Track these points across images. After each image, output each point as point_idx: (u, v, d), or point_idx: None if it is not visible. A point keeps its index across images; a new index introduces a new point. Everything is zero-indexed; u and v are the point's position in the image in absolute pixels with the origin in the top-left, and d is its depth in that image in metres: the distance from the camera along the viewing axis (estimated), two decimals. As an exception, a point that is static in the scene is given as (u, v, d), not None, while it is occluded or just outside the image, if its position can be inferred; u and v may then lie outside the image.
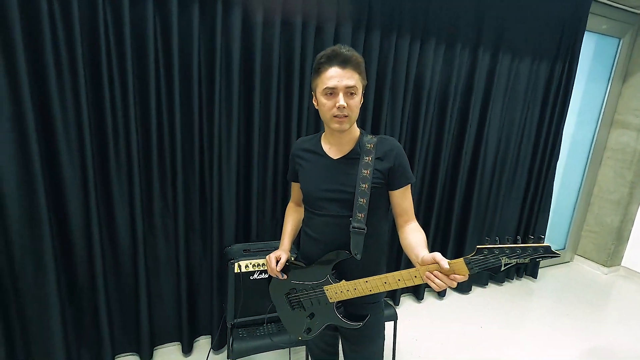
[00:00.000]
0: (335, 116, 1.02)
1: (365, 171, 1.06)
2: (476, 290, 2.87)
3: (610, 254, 3.31)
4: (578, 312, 2.69)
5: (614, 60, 3.12)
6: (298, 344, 1.71)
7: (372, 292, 1.04)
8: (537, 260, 0.81)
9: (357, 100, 1.03)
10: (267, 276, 1.68)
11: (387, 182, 1.09)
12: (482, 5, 2.23)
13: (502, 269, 0.83)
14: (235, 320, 1.64)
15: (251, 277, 1.66)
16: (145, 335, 1.86)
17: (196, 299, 1.99)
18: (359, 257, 1.07)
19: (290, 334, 1.29)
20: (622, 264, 3.38)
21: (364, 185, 1.06)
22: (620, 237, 3.29)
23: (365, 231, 1.06)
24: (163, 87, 1.64)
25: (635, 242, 3.30)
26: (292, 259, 1.25)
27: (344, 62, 0.99)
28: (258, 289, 1.67)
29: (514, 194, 2.85)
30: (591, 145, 3.31)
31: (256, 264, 1.66)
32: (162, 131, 1.69)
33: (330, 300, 1.12)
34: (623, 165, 3.18)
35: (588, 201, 3.46)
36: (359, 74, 1.02)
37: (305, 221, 1.24)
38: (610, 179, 3.28)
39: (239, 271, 1.62)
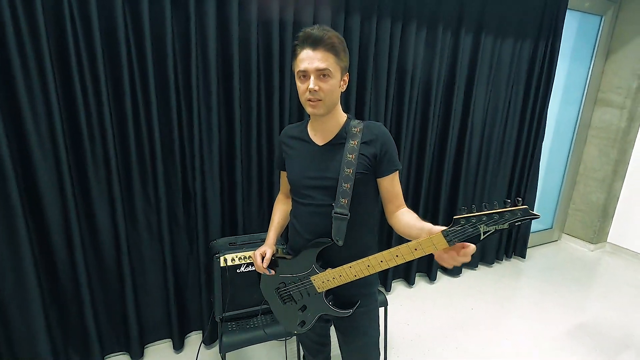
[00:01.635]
0: (308, 100, 0.99)
1: (350, 155, 1.02)
2: (466, 273, 2.90)
3: (596, 231, 3.37)
4: (565, 290, 2.74)
5: (597, 38, 3.12)
6: (290, 334, 1.70)
7: (358, 277, 1.02)
8: (517, 224, 0.77)
9: (332, 84, 0.98)
10: (254, 270, 1.67)
11: (373, 168, 1.06)
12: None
13: (482, 237, 0.80)
14: (223, 314, 1.62)
15: (238, 270, 1.64)
16: (135, 333, 1.84)
17: (185, 295, 1.97)
18: (340, 243, 1.04)
19: (285, 329, 1.26)
20: (608, 240, 3.45)
21: (348, 170, 1.02)
22: (606, 215, 3.35)
23: (348, 217, 1.02)
24: (137, 80, 1.59)
25: (620, 218, 3.36)
26: (279, 251, 1.23)
27: (314, 43, 0.95)
28: (246, 281, 1.65)
29: (501, 174, 2.86)
30: (576, 124, 3.33)
31: (242, 257, 1.63)
32: (139, 125, 1.64)
33: (319, 290, 1.10)
34: (607, 143, 3.21)
35: (574, 180, 3.50)
36: (335, 55, 0.97)
37: (292, 212, 1.20)
38: (595, 158, 3.32)
39: (224, 265, 1.59)
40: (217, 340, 1.95)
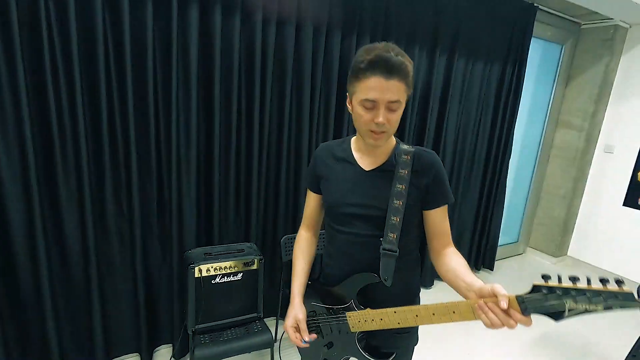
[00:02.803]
0: (372, 131, 0.88)
1: (400, 186, 0.92)
2: (438, 285, 2.97)
3: (558, 245, 3.56)
4: (530, 301, 2.86)
5: (558, 65, 3.36)
6: (260, 347, 1.66)
7: (401, 326, 0.89)
8: (613, 309, 0.63)
9: (398, 115, 0.87)
10: (230, 281, 1.65)
11: (422, 200, 0.95)
12: (439, 8, 2.32)
13: (566, 314, 0.67)
14: (196, 327, 1.58)
15: (213, 282, 1.61)
16: (100, 347, 1.75)
17: (156, 306, 1.90)
18: (389, 282, 0.93)
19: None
20: (568, 253, 3.65)
21: (397, 202, 0.92)
22: (566, 229, 3.55)
23: (397, 254, 0.92)
24: (114, 85, 1.55)
25: (579, 233, 3.57)
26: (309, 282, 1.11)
27: (389, 71, 0.81)
28: (221, 293, 1.63)
29: (471, 191, 2.98)
30: (539, 144, 3.54)
31: (218, 268, 1.61)
32: (114, 129, 1.60)
33: (352, 330, 0.98)
34: (567, 162, 3.43)
35: (538, 196, 3.69)
36: (406, 83, 0.84)
37: (327, 239, 1.09)
38: (557, 175, 3.53)
39: (199, 275, 1.56)
40: (188, 353, 1.90)
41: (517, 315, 0.72)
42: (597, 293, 0.64)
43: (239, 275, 1.66)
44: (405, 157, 0.94)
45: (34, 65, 1.40)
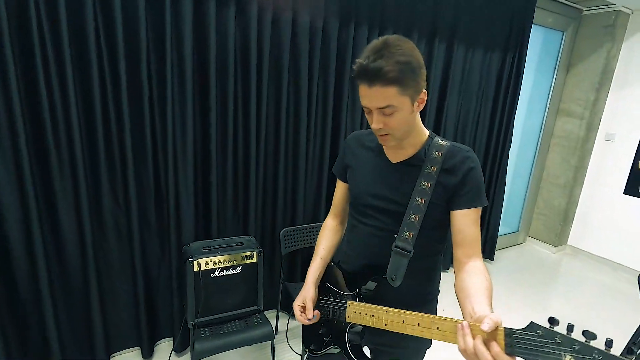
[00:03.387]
0: (378, 133, 0.87)
1: (426, 183, 0.87)
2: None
3: (558, 234, 3.56)
4: (530, 290, 2.87)
5: (559, 52, 3.31)
6: (260, 340, 1.65)
7: (387, 328, 0.84)
8: None
9: (399, 117, 0.82)
10: (229, 275, 1.64)
11: (449, 200, 0.88)
12: (437, -4, 2.28)
13: None
14: (196, 320, 1.58)
15: (212, 275, 1.60)
16: (100, 342, 1.75)
17: (155, 301, 1.90)
18: (396, 283, 0.88)
19: (304, 342, 1.11)
20: (568, 242, 3.65)
21: (420, 200, 0.87)
22: (567, 218, 3.54)
23: (411, 254, 0.87)
24: (107, 73, 1.52)
25: (579, 222, 3.57)
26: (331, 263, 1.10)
27: (369, 79, 0.78)
28: (220, 286, 1.62)
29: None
30: (540, 133, 3.51)
31: (217, 261, 1.60)
32: (108, 120, 1.57)
33: (347, 319, 0.95)
34: (568, 151, 3.41)
35: (538, 185, 3.68)
36: (398, 85, 0.77)
37: (348, 227, 1.07)
38: (557, 164, 3.51)
39: (198, 269, 1.56)
40: (189, 347, 1.90)
41: (496, 348, 0.61)
42: (607, 357, 0.51)
43: (238, 269, 1.65)
44: (437, 154, 0.88)
45: (25, 57, 1.37)
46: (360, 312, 0.91)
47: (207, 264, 1.58)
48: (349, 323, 0.95)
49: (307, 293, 1.02)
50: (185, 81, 1.67)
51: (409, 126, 0.87)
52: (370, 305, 0.90)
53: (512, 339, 0.60)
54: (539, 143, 3.53)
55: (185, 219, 1.81)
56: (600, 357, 0.52)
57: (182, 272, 1.74)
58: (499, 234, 3.32)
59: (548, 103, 3.42)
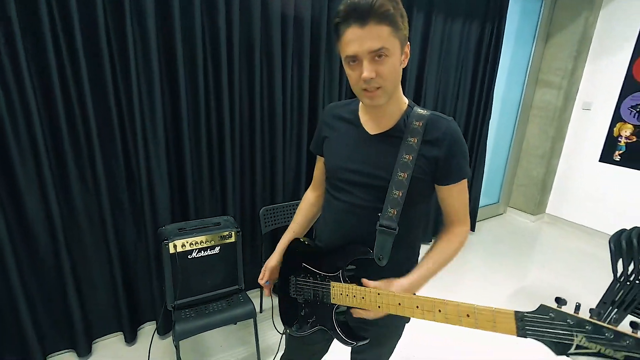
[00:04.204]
0: (364, 90, 0.79)
1: (407, 156, 0.83)
2: (422, 247, 3.01)
3: (536, 204, 3.64)
4: (510, 259, 2.95)
5: (538, 22, 3.29)
6: (242, 318, 1.63)
7: (381, 310, 0.83)
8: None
9: (392, 64, 0.76)
10: (207, 256, 1.62)
11: (432, 174, 0.85)
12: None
13: (571, 350, 0.57)
14: (175, 302, 1.56)
15: (189, 257, 1.57)
16: (80, 329, 1.72)
17: (134, 285, 1.86)
18: (383, 262, 0.85)
19: (281, 321, 1.08)
20: (547, 211, 3.74)
21: (402, 174, 0.82)
22: (545, 188, 3.62)
23: (396, 232, 0.84)
24: (63, 47, 1.42)
25: (557, 191, 3.65)
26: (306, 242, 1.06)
27: (362, 16, 0.71)
28: (198, 267, 1.59)
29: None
30: (519, 104, 3.53)
31: (194, 242, 1.57)
32: (70, 102, 1.48)
33: (332, 301, 0.91)
34: (546, 122, 3.44)
35: (518, 157, 3.73)
36: (391, 25, 0.73)
37: (324, 205, 1.02)
38: (536, 135, 3.55)
39: (174, 251, 1.52)
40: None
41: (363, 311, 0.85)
42: (622, 337, 0.52)
43: (217, 249, 1.62)
44: (417, 123, 0.83)
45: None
46: (347, 294, 0.87)
47: (183, 245, 1.54)
48: (335, 305, 0.91)
49: (269, 261, 1.07)
50: (151, 56, 1.58)
51: (397, 80, 0.82)
52: (357, 286, 0.86)
53: (524, 323, 0.62)
54: (519, 114, 3.55)
55: (160, 200, 1.75)
56: (612, 336, 0.54)
57: (159, 255, 1.70)
58: (479, 205, 3.37)
59: (527, 74, 3.42)
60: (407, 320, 1.02)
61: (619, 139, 3.12)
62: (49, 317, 1.69)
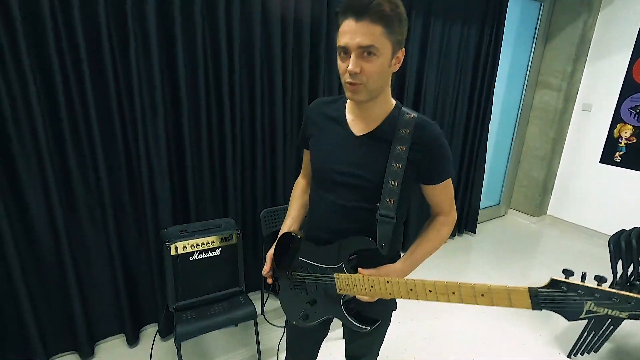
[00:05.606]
0: (348, 82, 0.81)
1: (397, 165, 0.86)
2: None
3: (537, 205, 3.64)
4: (511, 260, 2.95)
5: (537, 24, 3.30)
6: (243, 320, 1.64)
7: (392, 297, 0.87)
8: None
9: (378, 64, 0.78)
10: (208, 257, 1.63)
11: (418, 175, 0.90)
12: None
13: (582, 316, 0.63)
14: (177, 304, 1.57)
15: (190, 258, 1.59)
16: (83, 331, 1.74)
17: (136, 287, 1.88)
18: (385, 250, 0.88)
19: (286, 316, 1.11)
20: (548, 212, 3.74)
21: (396, 165, 0.85)
22: (546, 189, 3.62)
23: (394, 220, 0.87)
24: (65, 47, 1.44)
25: (558, 192, 3.65)
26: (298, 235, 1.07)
27: (358, 12, 0.74)
28: (200, 269, 1.61)
29: (452, 155, 2.98)
30: (519, 106, 3.54)
31: (195, 244, 1.58)
32: (73, 103, 1.50)
33: (339, 292, 0.93)
34: (546, 123, 3.45)
35: (518, 158, 3.73)
36: (385, 26, 0.75)
37: (310, 201, 1.04)
38: (536, 137, 3.56)
39: (175, 253, 1.54)
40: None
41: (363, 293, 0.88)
42: (627, 300, 0.58)
43: (218, 251, 1.64)
44: (405, 131, 0.86)
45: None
46: (354, 285, 0.89)
47: (184, 247, 1.56)
48: (342, 295, 0.94)
49: (271, 251, 1.08)
50: (152, 59, 1.59)
51: (383, 82, 0.83)
52: (363, 276, 0.89)
53: (538, 298, 0.68)
54: (519, 116, 3.56)
55: (161, 203, 1.77)
56: (618, 300, 0.59)
57: (161, 257, 1.72)
58: (480, 207, 3.38)
59: (527, 76, 3.43)
60: (395, 307, 1.07)
61: (619, 140, 3.13)
62: (51, 318, 1.70)
